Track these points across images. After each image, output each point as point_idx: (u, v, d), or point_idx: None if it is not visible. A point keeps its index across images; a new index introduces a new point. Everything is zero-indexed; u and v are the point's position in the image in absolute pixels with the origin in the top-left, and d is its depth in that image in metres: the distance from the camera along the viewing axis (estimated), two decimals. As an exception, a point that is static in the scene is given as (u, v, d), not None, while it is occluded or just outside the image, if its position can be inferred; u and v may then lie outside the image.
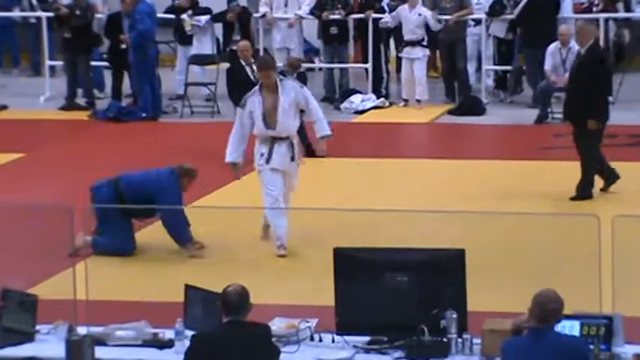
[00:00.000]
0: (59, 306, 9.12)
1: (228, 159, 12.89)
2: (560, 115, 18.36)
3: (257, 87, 12.72)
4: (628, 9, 21.49)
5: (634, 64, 21.23)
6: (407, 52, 20.68)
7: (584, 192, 14.63)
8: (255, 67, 17.64)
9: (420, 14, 20.48)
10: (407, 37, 20.62)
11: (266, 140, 12.66)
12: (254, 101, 12.63)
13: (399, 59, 21.56)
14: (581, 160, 14.73)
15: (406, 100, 20.76)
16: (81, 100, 21.24)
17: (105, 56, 21.51)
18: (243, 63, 17.80)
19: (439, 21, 20.41)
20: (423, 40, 20.58)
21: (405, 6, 20.61)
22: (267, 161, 12.64)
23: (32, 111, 20.97)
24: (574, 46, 19.16)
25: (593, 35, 14.83)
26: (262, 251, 12.63)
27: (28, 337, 8.96)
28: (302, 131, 14.84)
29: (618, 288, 8.57)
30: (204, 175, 13.27)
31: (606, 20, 20.51)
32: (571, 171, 14.94)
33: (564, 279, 8.32)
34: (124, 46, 20.34)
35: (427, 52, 20.74)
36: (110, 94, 21.24)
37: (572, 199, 14.54)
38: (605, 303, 8.46)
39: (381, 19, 20.92)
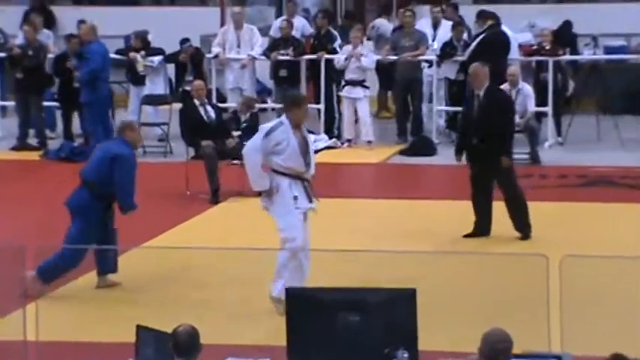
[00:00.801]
0: (10, 346, 9.08)
1: (263, 187, 12.06)
2: (518, 156, 18.44)
3: (282, 120, 12.10)
4: (574, 52, 21.65)
5: (582, 107, 21.36)
6: (347, 91, 20.75)
7: (528, 229, 14.72)
8: (207, 107, 17.80)
9: (362, 55, 20.56)
10: (348, 76, 20.69)
11: (296, 180, 12.10)
12: (288, 136, 12.02)
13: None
14: (508, 200, 14.73)
15: (349, 140, 20.79)
16: (33, 141, 21.19)
17: (55, 96, 21.49)
18: (196, 103, 17.83)
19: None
20: (364, 80, 20.66)
21: (350, 46, 20.71)
22: (300, 203, 12.07)
23: (-17, 151, 20.95)
24: (523, 86, 19.35)
25: (487, 78, 14.90)
26: (213, 291, 12.61)
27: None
28: None
29: (567, 327, 8.62)
30: (156, 215, 13.26)
31: (555, 62, 20.63)
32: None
33: (514, 318, 8.35)
34: (76, 84, 20.31)
35: (368, 92, 20.81)
36: (62, 134, 21.20)
37: (521, 239, 14.62)
38: (554, 342, 8.51)
39: (332, 59, 20.98)
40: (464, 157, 14.95)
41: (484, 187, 14.80)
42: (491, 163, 14.66)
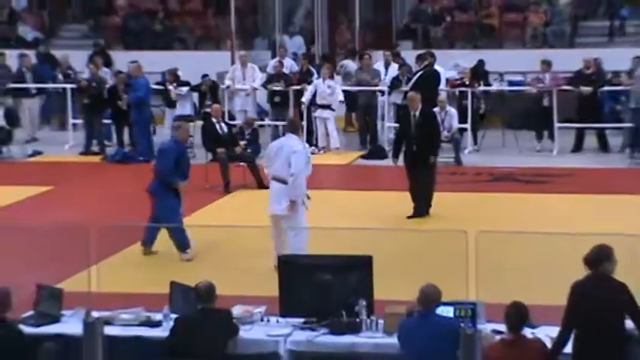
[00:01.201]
0: (78, 296, 9.07)
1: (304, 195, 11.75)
2: (446, 160, 18.48)
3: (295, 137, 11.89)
4: (487, 84, 21.67)
5: (492, 123, 21.39)
6: (319, 113, 20.62)
7: (425, 211, 14.72)
8: (222, 124, 17.75)
9: (329, 86, 20.54)
10: (319, 102, 20.58)
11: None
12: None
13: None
14: (425, 188, 14.77)
15: (323, 148, 20.73)
16: (95, 148, 21.12)
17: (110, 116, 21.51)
18: (214, 120, 17.80)
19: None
20: (330, 105, 20.57)
21: (320, 80, 20.66)
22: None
23: (59, 155, 20.84)
24: (449, 109, 19.34)
25: (419, 102, 14.96)
26: (227, 257, 12.58)
27: (56, 319, 8.92)
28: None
29: (480, 283, 8.63)
30: (185, 202, 13.15)
31: (472, 92, 20.65)
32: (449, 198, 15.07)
33: (442, 277, 8.33)
34: (125, 107, 20.26)
35: (334, 113, 20.70)
36: (116, 143, 21.15)
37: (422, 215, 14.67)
38: (471, 293, 8.52)
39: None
40: (399, 160, 14.95)
41: (418, 181, 14.83)
42: (423, 162, 14.72)
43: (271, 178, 11.94)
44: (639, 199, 15.96)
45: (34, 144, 21.68)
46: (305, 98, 20.74)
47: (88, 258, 10.95)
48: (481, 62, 22.21)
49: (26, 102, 22.38)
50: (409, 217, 14.68)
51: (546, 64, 20.55)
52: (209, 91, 21.50)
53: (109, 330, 8.44)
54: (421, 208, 14.78)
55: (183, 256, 12.53)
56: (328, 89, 20.54)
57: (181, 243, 12.57)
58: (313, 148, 20.82)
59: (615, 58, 21.17)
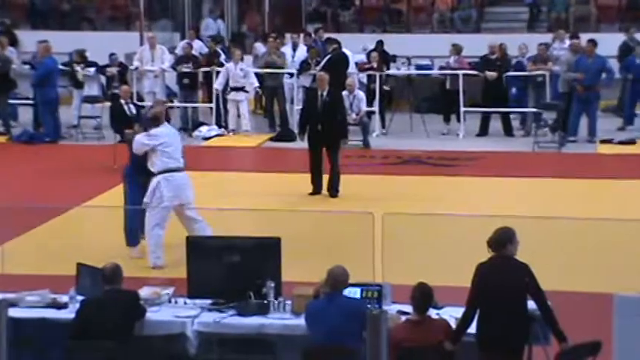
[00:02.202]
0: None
1: None
2: (351, 142, 18.55)
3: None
4: (386, 62, 21.67)
5: (400, 107, 21.52)
6: (233, 96, 20.55)
7: (337, 191, 14.85)
8: (130, 106, 17.55)
9: (242, 69, 20.46)
10: (232, 85, 20.46)
11: None
12: None
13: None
14: (332, 168, 14.91)
15: (233, 130, 20.65)
16: (1, 128, 20.74)
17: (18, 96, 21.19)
18: (122, 102, 17.59)
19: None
20: (244, 87, 20.52)
21: (232, 63, 20.58)
22: None
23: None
24: (357, 93, 19.40)
25: (327, 83, 15.08)
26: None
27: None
28: None
29: (386, 264, 8.69)
30: (92, 182, 13.01)
31: (380, 75, 20.75)
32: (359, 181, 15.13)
33: (349, 259, 8.36)
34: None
35: (248, 95, 20.66)
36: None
37: (332, 196, 14.82)
38: (377, 275, 8.57)
39: (219, 71, 20.78)
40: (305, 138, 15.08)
41: (320, 160, 14.90)
42: (329, 142, 14.80)
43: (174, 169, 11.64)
44: (542, 182, 16.24)
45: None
46: (217, 83, 20.60)
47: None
48: (380, 43, 22.25)
49: None
50: (310, 194, 14.79)
51: (455, 48, 20.74)
52: (118, 72, 21.26)
53: (14, 312, 8.29)
54: (321, 186, 14.93)
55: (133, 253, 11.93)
56: (241, 72, 20.45)
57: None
58: (223, 130, 20.80)
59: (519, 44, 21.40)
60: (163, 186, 11.33)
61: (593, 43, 19.89)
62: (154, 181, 11.36)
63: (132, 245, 11.91)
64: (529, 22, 25.11)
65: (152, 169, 11.42)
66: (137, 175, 11.74)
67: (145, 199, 11.41)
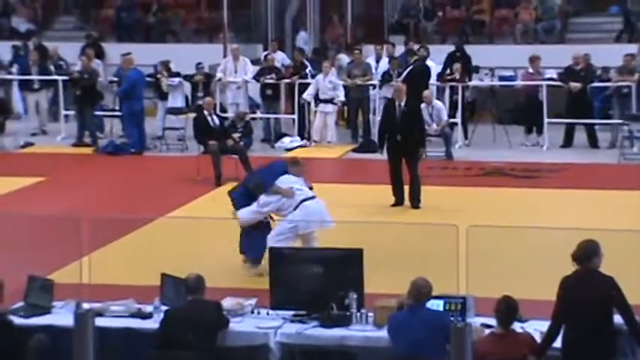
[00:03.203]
0: (70, 288, 9.03)
1: None
2: (433, 154, 18.48)
3: None
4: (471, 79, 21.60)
5: (482, 119, 21.37)
6: (322, 107, 20.64)
7: (418, 202, 14.70)
8: (214, 117, 17.69)
9: (330, 81, 20.50)
10: (322, 96, 20.57)
11: None
12: None
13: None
14: (412, 179, 14.81)
15: (316, 141, 20.68)
16: (87, 139, 21.05)
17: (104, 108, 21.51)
18: (206, 113, 17.75)
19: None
20: (333, 99, 20.56)
21: (321, 75, 20.62)
22: None
23: (52, 146, 20.77)
24: (436, 103, 19.29)
25: (404, 93, 15.00)
26: (219, 249, 12.53)
27: (47, 310, 8.87)
28: None
29: (470, 277, 8.60)
30: (176, 193, 13.13)
31: (462, 87, 20.64)
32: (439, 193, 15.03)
33: (433, 271, 8.30)
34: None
35: (336, 107, 20.72)
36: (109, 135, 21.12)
37: (414, 207, 14.72)
38: (461, 287, 8.50)
39: (304, 83, 20.86)
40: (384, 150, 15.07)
41: (400, 171, 14.83)
42: (408, 153, 14.76)
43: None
44: (627, 195, 15.98)
45: (34, 136, 21.67)
46: (307, 94, 20.64)
47: (80, 249, 10.92)
48: (459, 47, 22.11)
49: (32, 96, 22.32)
50: (392, 206, 14.72)
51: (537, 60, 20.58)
52: (202, 82, 21.44)
53: (100, 321, 8.38)
54: (403, 197, 14.87)
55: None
56: (329, 84, 20.50)
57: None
58: (305, 141, 20.86)
59: (604, 54, 21.13)
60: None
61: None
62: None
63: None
64: (619, 32, 24.71)
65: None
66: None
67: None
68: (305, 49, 24.16)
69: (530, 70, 20.66)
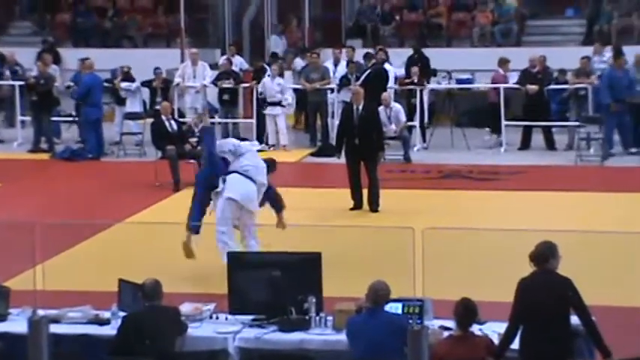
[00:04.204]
0: (26, 295, 8.95)
1: None
2: (392, 157, 18.50)
3: None
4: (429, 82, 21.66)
5: (440, 121, 21.45)
6: (269, 110, 20.59)
7: (377, 205, 14.72)
8: (171, 122, 17.63)
9: (279, 84, 20.49)
10: (269, 99, 20.55)
11: None
12: None
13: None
14: (371, 183, 14.84)
15: (273, 145, 20.65)
16: (44, 145, 20.90)
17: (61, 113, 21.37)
18: (164, 118, 17.68)
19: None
20: (281, 101, 20.54)
21: (269, 78, 20.59)
22: None
23: (8, 153, 20.60)
24: (394, 105, 19.34)
25: (362, 96, 15.05)
26: (176, 253, 12.46)
27: (3, 318, 8.79)
28: None
29: (427, 279, 8.62)
30: (134, 198, 13.07)
31: (420, 90, 20.71)
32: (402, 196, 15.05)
33: (389, 274, 8.30)
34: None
35: (284, 110, 20.68)
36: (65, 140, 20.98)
37: (373, 211, 14.74)
38: (418, 290, 8.51)
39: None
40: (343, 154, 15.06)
41: (359, 174, 14.83)
42: (367, 156, 14.79)
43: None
44: (585, 196, 16.09)
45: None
46: (260, 92, 20.65)
47: (34, 256, 10.82)
48: (417, 50, 22.19)
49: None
50: (351, 209, 14.74)
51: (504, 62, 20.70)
52: (160, 87, 21.35)
53: (57, 328, 8.32)
54: (361, 201, 14.88)
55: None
56: (277, 87, 20.50)
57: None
58: (263, 145, 20.81)
59: (561, 57, 21.28)
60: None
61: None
62: None
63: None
64: (584, 35, 24.83)
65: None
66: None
67: None
68: (278, 53, 24.18)
69: (502, 72, 20.74)
